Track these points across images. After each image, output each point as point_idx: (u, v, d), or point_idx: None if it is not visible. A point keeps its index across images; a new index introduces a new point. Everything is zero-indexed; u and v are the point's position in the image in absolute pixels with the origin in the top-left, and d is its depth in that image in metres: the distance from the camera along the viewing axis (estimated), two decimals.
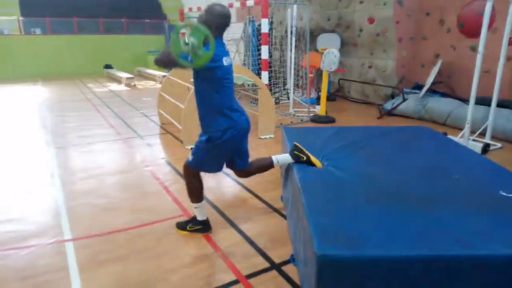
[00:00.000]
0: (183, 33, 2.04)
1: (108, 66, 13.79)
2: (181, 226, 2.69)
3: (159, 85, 10.94)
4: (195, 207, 2.63)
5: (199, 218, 2.64)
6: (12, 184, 3.68)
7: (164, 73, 11.72)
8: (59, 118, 6.66)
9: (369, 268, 1.49)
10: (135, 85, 11.00)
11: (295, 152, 2.63)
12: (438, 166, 2.65)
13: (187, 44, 2.02)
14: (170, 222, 2.84)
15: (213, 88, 2.31)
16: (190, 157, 2.49)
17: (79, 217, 2.97)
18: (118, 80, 11.82)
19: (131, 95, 9.37)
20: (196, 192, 2.58)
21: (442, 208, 1.93)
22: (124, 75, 11.43)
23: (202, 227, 2.65)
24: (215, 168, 2.59)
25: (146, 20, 16.06)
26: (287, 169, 2.80)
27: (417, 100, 6.29)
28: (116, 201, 3.30)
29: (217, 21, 2.29)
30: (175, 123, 5.28)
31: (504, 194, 2.11)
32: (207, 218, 2.69)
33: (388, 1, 6.77)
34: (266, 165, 2.73)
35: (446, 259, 1.48)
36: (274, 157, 2.72)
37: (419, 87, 6.67)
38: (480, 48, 4.22)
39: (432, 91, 6.35)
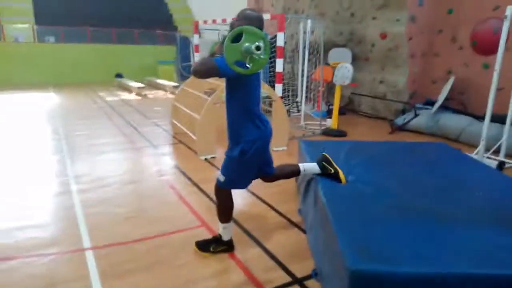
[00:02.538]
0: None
1: (119, 75, 13.97)
2: (203, 247, 2.58)
3: (170, 95, 11.07)
4: (223, 227, 2.54)
5: (225, 238, 2.56)
6: (29, 191, 3.70)
7: (175, 84, 11.85)
8: (72, 126, 6.72)
9: (404, 285, 1.49)
10: (146, 94, 11.11)
11: (324, 163, 2.60)
12: (460, 182, 2.65)
13: (259, 48, 1.94)
14: (189, 233, 2.84)
15: (246, 94, 2.28)
16: (221, 178, 2.41)
17: (97, 226, 2.98)
18: (129, 89, 11.95)
19: (142, 104, 9.45)
20: (227, 212, 2.52)
21: (471, 225, 1.92)
22: (135, 84, 11.56)
23: (227, 247, 2.58)
24: (246, 183, 2.54)
25: (157, 31, 16.30)
26: (308, 182, 2.80)
27: (429, 116, 6.29)
28: (133, 210, 3.31)
29: (255, 26, 2.15)
30: (189, 133, 5.32)
31: None
32: (231, 239, 2.61)
33: (401, 18, 6.84)
34: (292, 172, 2.69)
35: (484, 278, 1.48)
36: (301, 165, 2.70)
37: (431, 103, 6.68)
38: (497, 66, 4.24)
39: (444, 107, 6.36)
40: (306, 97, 7.60)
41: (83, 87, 12.68)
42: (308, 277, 2.30)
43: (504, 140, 4.62)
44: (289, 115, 7.49)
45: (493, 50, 4.63)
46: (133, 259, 2.51)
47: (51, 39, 14.32)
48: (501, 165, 4.44)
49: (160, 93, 11.79)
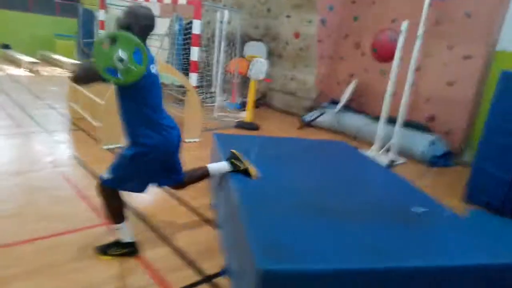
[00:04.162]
0: (106, 44, 1.80)
1: (5, 46, 12.09)
2: (102, 249, 2.32)
3: (68, 73, 9.95)
4: (116, 229, 2.30)
5: (125, 240, 2.32)
6: None
7: (75, 61, 10.70)
8: None
9: (312, 282, 1.53)
10: (38, 71, 9.81)
11: (233, 160, 2.57)
12: (355, 179, 2.89)
13: (121, 60, 1.79)
14: (87, 232, 2.57)
15: (140, 100, 2.06)
16: (106, 175, 2.16)
17: None
18: (17, 63, 10.41)
19: (34, 82, 8.32)
20: (116, 212, 2.25)
21: (367, 221, 2.08)
22: (26, 58, 10.11)
23: (129, 250, 2.33)
24: (139, 188, 2.32)
25: (56, 0, 14.47)
26: (221, 177, 2.74)
27: (332, 114, 6.76)
28: (19, 206, 2.86)
29: (142, 24, 2.03)
30: (90, 119, 4.83)
31: (415, 210, 2.37)
32: (134, 240, 2.36)
33: (313, 20, 7.18)
34: (201, 175, 2.59)
35: (382, 271, 1.62)
36: (209, 166, 2.61)
37: (335, 102, 7.19)
38: (392, 73, 4.72)
39: (346, 107, 6.89)
40: (221, 88, 7.54)
41: None
42: (218, 275, 2.26)
43: (394, 140, 5.20)
44: (202, 106, 7.35)
45: (390, 58, 5.15)
46: (17, 264, 2.17)
47: None
48: (391, 162, 4.98)
49: (57, 70, 10.53)
